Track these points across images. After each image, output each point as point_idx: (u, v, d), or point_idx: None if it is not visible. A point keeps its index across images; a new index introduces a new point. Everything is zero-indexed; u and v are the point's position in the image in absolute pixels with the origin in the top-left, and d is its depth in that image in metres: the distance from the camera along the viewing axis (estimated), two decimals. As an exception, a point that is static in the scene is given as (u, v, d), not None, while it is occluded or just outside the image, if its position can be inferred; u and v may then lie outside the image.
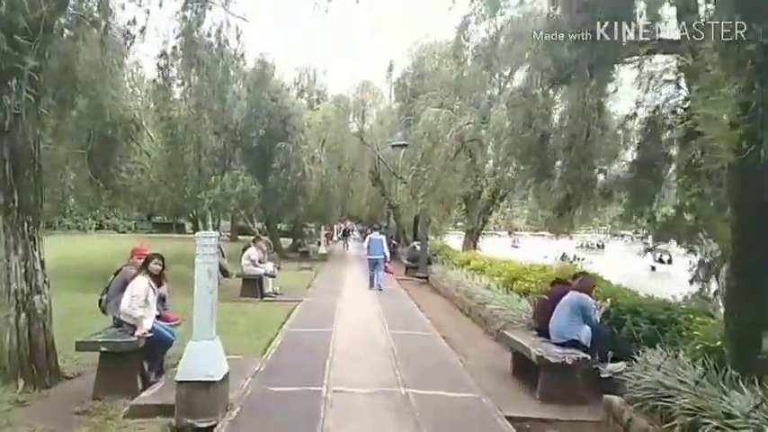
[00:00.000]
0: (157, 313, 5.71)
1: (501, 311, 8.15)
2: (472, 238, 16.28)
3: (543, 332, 5.97)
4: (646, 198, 6.93)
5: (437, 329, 8.73)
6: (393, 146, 16.08)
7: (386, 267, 14.65)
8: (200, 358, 4.49)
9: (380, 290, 13.23)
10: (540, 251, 17.90)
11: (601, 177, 8.07)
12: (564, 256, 32.51)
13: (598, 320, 5.58)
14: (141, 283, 5.37)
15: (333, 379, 5.63)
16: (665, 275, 39.00)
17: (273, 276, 12.24)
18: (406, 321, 9.38)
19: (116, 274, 5.83)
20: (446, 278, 13.16)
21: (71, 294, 10.44)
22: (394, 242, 25.13)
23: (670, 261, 45.94)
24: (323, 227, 29.31)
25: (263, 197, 13.29)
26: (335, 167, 22.26)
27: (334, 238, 39.69)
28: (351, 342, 7.48)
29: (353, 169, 24.72)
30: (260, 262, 12.09)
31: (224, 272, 15.29)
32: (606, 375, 5.37)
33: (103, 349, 5.03)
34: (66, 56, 6.37)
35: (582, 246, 59.70)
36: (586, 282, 5.82)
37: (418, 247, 17.40)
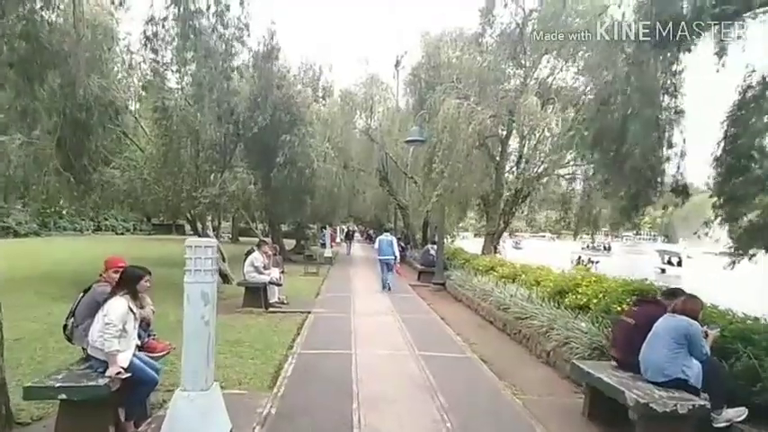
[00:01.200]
0: (139, 342, 4.46)
1: (551, 331, 6.90)
2: (492, 241, 15.02)
3: (627, 365, 4.71)
4: (742, 199, 5.70)
5: (472, 349, 7.49)
6: (408, 142, 14.83)
7: (396, 269, 14.32)
8: (192, 417, 3.23)
9: (390, 290, 13.27)
10: (543, 253, 16.81)
11: (671, 171, 6.88)
12: (580, 260, 31.42)
13: (709, 353, 4.32)
14: (118, 307, 4.12)
15: (365, 429, 4.38)
16: (676, 278, 38.11)
17: (280, 285, 10.98)
18: (434, 339, 8.13)
19: (85, 292, 4.55)
20: (469, 286, 11.90)
21: (53, 305, 9.26)
22: (402, 245, 23.84)
23: (680, 263, 45.20)
24: (328, 228, 28.03)
25: (266, 196, 12.02)
26: (341, 166, 21.00)
27: (338, 239, 38.39)
28: (377, 371, 6.21)
29: (359, 168, 23.45)
30: (265, 268, 10.85)
31: (224, 277, 14.10)
32: (722, 425, 4.14)
33: (62, 397, 3.76)
34: (28, 19, 5.09)
35: (587, 247, 58.67)
36: (692, 303, 4.51)
37: (432, 251, 16.16)
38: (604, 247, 52.05)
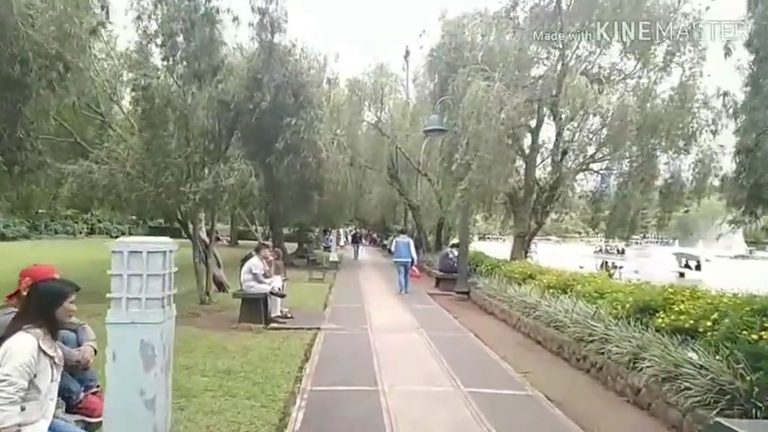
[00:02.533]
0: (64, 403, 2.82)
1: (640, 361, 5.24)
2: (523, 244, 13.34)
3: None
4: None
5: (530, 382, 5.83)
6: (426, 132, 13.18)
7: (413, 271, 13.83)
8: None
9: (407, 293, 12.97)
10: (554, 257, 15.40)
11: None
12: (605, 265, 29.72)
13: None
14: (19, 351, 2.46)
15: None
16: (698, 282, 36.31)
17: (282, 296, 9.32)
18: (477, 367, 6.48)
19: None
20: (502, 296, 10.24)
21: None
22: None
23: (698, 267, 43.46)
24: (333, 230, 26.37)
25: (267, 192, 10.37)
26: (348, 162, 19.37)
27: (342, 242, 36.64)
28: (418, 421, 4.55)
29: (367, 165, 21.81)
30: (265, 276, 9.22)
31: (220, 285, 12.47)
32: None
33: None
34: None
35: (600, 250, 56.90)
36: None
37: (452, 255, 14.51)
38: (618, 251, 50.25)
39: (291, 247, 29.05)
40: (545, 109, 13.04)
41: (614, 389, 5.62)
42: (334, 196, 17.71)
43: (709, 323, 4.80)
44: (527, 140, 13.54)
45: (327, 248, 27.84)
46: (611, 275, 16.88)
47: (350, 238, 33.60)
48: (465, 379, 5.75)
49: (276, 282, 9.23)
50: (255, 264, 9.05)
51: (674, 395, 4.61)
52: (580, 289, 7.79)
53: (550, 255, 27.36)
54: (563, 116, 11.77)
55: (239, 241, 36.96)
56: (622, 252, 49.32)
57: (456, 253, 14.16)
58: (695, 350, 4.75)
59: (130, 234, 46.19)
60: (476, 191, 11.23)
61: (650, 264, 41.08)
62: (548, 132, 13.57)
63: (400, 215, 29.92)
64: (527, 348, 7.71)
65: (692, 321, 5.01)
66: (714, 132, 11.60)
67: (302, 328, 8.50)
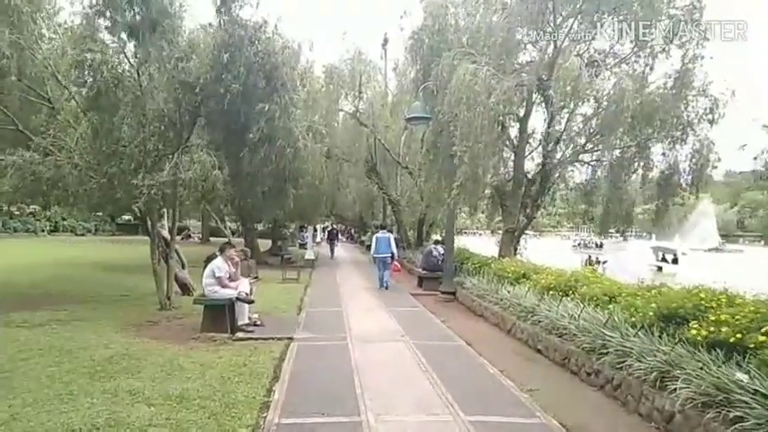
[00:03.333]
0: None
1: (670, 381, 4.43)
2: (512, 240, 12.51)
3: None
4: None
5: (539, 403, 4.96)
6: (409, 120, 12.24)
7: (394, 266, 13.82)
8: None
9: (387, 288, 12.94)
10: (532, 251, 14.82)
11: None
12: (590, 260, 29.30)
13: None
14: None
15: None
16: (673, 275, 36.41)
17: (250, 301, 8.28)
18: (476, 385, 5.57)
19: None
20: (494, 298, 9.40)
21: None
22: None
23: (675, 260, 43.69)
24: (310, 227, 25.25)
25: (235, 185, 9.26)
26: (325, 155, 18.30)
27: (318, 239, 35.43)
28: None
29: (344, 158, 20.76)
30: (230, 279, 8.18)
31: (184, 287, 11.37)
32: None
33: None
34: None
35: (579, 245, 56.85)
36: None
37: (436, 252, 13.63)
38: (596, 245, 50.22)
39: (265, 244, 27.89)
40: (534, 96, 12.23)
41: (638, 411, 4.79)
42: (311, 189, 16.67)
43: (763, 337, 3.97)
44: (514, 130, 12.72)
45: (303, 246, 26.78)
46: (594, 271, 16.38)
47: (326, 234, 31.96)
48: (464, 403, 4.84)
49: (243, 285, 8.19)
50: (219, 265, 8.00)
51: (723, 426, 3.78)
52: (585, 291, 6.96)
53: (530, 250, 26.85)
54: (555, 102, 10.95)
55: (211, 238, 35.46)
56: (600, 246, 49.26)
57: (441, 250, 13.30)
58: (746, 370, 3.93)
59: (96, 232, 44.20)
60: (470, 185, 10.34)
61: (628, 258, 41.03)
62: (537, 122, 12.80)
63: (379, 210, 28.97)
64: (527, 358, 6.85)
65: (737, 335, 4.18)
66: (712, 122, 10.97)
67: (273, 339, 7.52)
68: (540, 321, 7.24)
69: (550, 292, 7.61)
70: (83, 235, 41.75)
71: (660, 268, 42.06)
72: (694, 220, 58.66)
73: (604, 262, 30.03)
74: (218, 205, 11.41)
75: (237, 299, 7.90)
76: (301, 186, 12.15)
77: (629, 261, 38.55)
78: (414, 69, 13.93)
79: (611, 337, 5.54)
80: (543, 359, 6.78)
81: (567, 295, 7.34)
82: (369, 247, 16.95)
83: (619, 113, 9.63)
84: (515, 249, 12.58)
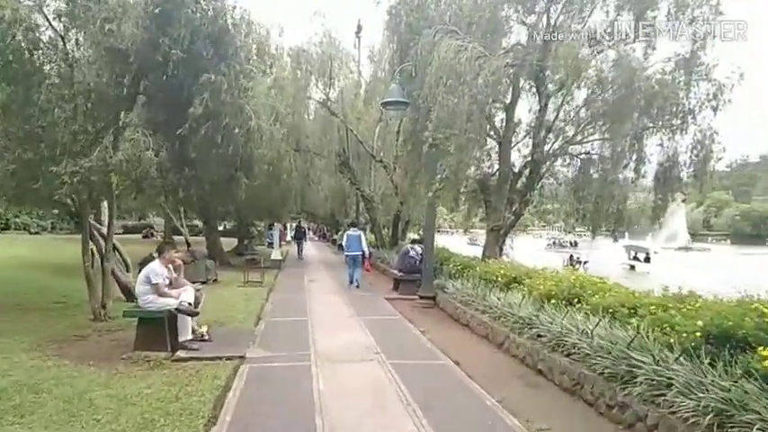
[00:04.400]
0: None
1: (732, 427, 3.32)
2: (498, 239, 11.38)
3: None
4: None
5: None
6: (385, 105, 10.96)
7: (365, 264, 13.59)
8: None
9: (358, 287, 12.72)
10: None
11: None
12: (572, 260, 28.54)
13: None
14: None
15: None
16: (647, 275, 36.23)
17: (194, 314, 6.87)
18: (475, 429, 4.37)
19: None
20: (481, 305, 8.24)
21: None
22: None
23: (647, 259, 43.72)
24: (277, 225, 23.73)
25: (178, 172, 7.80)
26: (292, 147, 16.91)
27: (288, 237, 33.77)
28: None
29: (315, 152, 19.38)
30: (171, 286, 6.79)
31: (128, 294, 9.85)
32: None
33: None
34: None
35: (553, 244, 56.57)
36: None
37: (414, 253, 12.42)
38: (570, 243, 49.97)
39: (230, 243, 26.31)
40: (522, 81, 11.15)
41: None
42: (277, 183, 15.32)
43: None
44: (497, 120, 11.59)
45: (272, 245, 25.27)
46: (575, 271, 15.47)
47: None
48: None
49: (186, 294, 6.77)
50: (155, 270, 6.58)
51: None
52: (597, 301, 5.82)
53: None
54: (549, 86, 9.87)
55: (175, 237, 33.45)
56: (575, 245, 49.03)
57: (419, 250, 12.11)
58: None
59: (53, 230, 41.48)
60: (454, 178, 9.16)
61: (602, 257, 40.74)
62: (522, 111, 11.71)
63: (351, 207, 27.65)
64: (528, 384, 5.68)
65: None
66: (715, 109, 10.05)
67: (220, 358, 6.18)
68: (540, 336, 6.10)
69: (551, 301, 6.46)
70: (37, 233, 39.04)
71: (633, 267, 42.04)
72: (665, 219, 59.35)
73: (585, 262, 29.35)
74: (154, 195, 9.86)
75: (178, 310, 6.51)
76: (257, 176, 10.67)
77: (605, 260, 38.26)
78: (390, 50, 12.66)
79: (639, 361, 4.40)
80: (548, 384, 5.62)
81: (572, 305, 6.21)
82: (341, 246, 15.91)
83: (629, 97, 8.58)
84: (501, 249, 11.46)
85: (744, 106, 9.95)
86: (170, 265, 6.80)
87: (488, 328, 7.65)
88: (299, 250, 24.01)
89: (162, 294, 6.55)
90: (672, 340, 4.28)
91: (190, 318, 6.71)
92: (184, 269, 7.55)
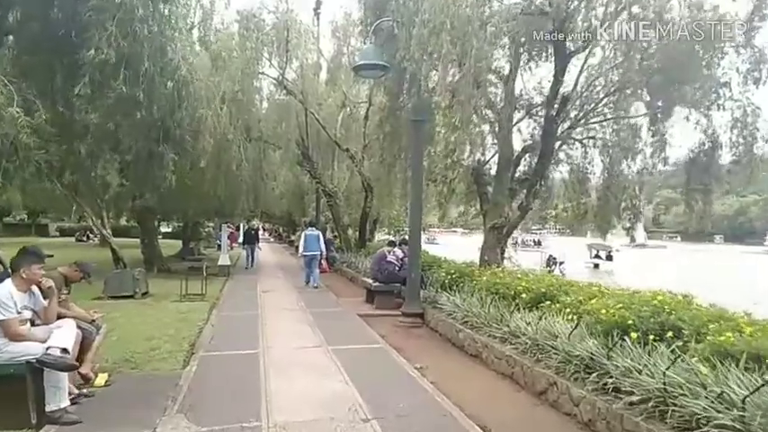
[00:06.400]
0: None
1: None
2: (499, 240, 9.23)
3: None
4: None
5: None
6: (357, 70, 8.57)
7: (320, 264, 13.29)
8: None
9: (316, 287, 12.57)
10: (465, 250, 14.78)
11: None
12: (551, 259, 26.90)
13: None
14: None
15: None
16: (610, 273, 35.57)
17: (71, 368, 4.30)
18: None
19: None
20: (499, 331, 6.07)
21: None
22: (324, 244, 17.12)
23: (610, 257, 43.33)
24: (226, 225, 20.87)
25: (66, 143, 5.23)
26: (243, 135, 14.32)
27: (240, 239, 30.47)
28: None
29: (269, 142, 16.82)
30: (33, 323, 4.27)
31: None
32: None
33: None
34: None
35: (518, 243, 55.54)
36: None
37: (393, 257, 10.16)
38: (534, 242, 48.99)
39: (175, 245, 23.36)
40: (522, 50, 9.08)
41: None
42: (219, 171, 12.78)
43: None
44: (500, 93, 9.47)
45: (220, 246, 22.37)
46: (550, 272, 13.73)
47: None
48: None
49: (61, 335, 4.23)
50: (2, 297, 4.02)
51: None
52: (718, 340, 3.69)
53: (460, 247, 24.18)
54: (569, 44, 7.77)
55: (117, 239, 29.73)
56: (539, 243, 48.02)
57: (399, 254, 9.90)
58: None
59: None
60: (451, 163, 6.97)
61: (568, 256, 39.80)
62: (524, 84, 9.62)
63: (310, 206, 25.16)
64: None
65: None
66: (757, 81, 8.28)
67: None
68: (618, 387, 3.95)
69: (632, 333, 4.28)
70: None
71: (597, 265, 41.40)
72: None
73: (562, 263, 27.92)
74: (27, 177, 6.94)
75: (42, 362, 3.98)
76: (192, 156, 8.10)
77: (570, 259, 37.34)
78: (362, 6, 10.22)
79: None
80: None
81: (663, 339, 4.09)
82: (298, 248, 13.90)
83: (691, 46, 6.59)
84: (503, 252, 9.34)
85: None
86: (24, 286, 4.22)
87: (515, 365, 5.46)
88: (250, 258, 19.39)
89: (16, 336, 4.02)
90: None
91: (64, 374, 4.16)
92: (71, 289, 5.02)
